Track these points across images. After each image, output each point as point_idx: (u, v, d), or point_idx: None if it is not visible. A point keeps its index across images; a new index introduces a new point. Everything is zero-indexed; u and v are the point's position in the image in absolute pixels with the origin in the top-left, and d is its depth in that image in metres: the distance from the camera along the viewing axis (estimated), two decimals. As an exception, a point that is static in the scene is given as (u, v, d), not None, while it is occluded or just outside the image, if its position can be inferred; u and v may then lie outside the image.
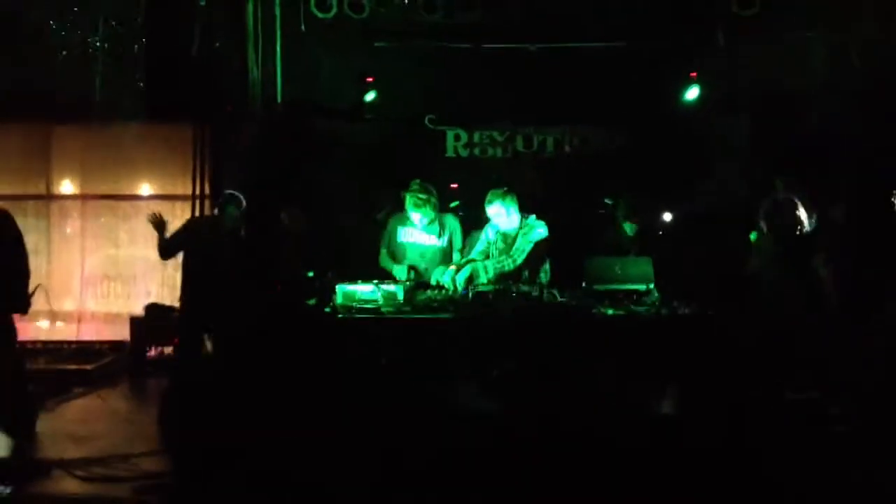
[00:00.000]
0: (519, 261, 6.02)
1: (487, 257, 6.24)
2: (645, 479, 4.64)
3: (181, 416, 6.00)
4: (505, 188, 6.19)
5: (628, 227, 7.18)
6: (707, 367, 5.07)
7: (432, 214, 6.38)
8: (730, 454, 4.77)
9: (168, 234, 6.66)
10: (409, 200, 6.32)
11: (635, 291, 5.64)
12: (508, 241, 6.20)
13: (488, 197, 6.18)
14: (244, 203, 6.62)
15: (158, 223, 6.64)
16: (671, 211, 8.17)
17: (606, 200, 7.40)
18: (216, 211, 6.80)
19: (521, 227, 6.16)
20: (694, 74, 8.47)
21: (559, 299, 5.51)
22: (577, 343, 5.15)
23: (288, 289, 6.34)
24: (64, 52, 9.29)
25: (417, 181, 6.36)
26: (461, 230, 6.56)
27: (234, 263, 6.38)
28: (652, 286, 5.71)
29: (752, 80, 8.23)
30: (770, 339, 5.38)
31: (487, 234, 6.33)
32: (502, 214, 6.12)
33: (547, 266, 6.28)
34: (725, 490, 4.53)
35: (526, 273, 6.07)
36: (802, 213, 6.06)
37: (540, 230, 6.11)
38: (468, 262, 6.07)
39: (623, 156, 8.93)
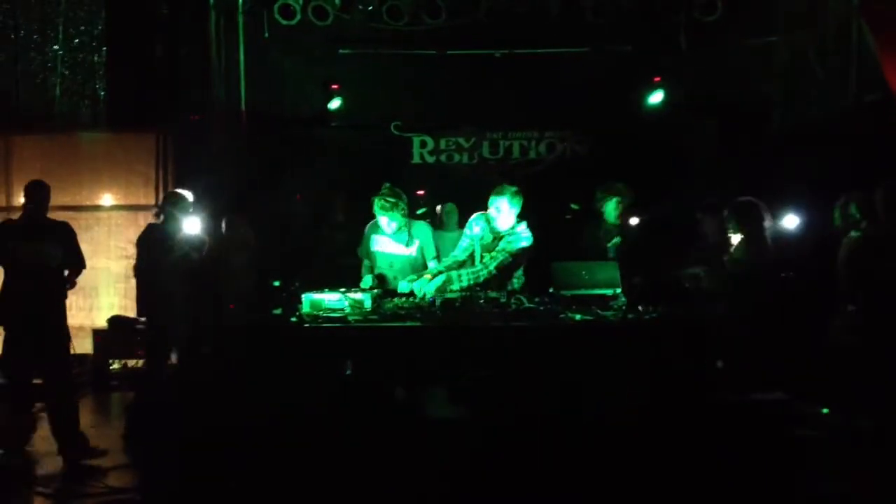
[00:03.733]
0: (492, 267, 5.95)
1: (472, 255, 6.19)
2: (616, 483, 4.66)
3: (148, 430, 5.95)
4: (517, 188, 6.10)
5: (610, 216, 7.14)
6: (674, 370, 5.08)
7: (401, 220, 6.25)
8: (698, 458, 4.80)
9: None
10: (377, 204, 6.21)
11: (602, 296, 5.64)
12: (497, 239, 6.09)
13: (499, 190, 6.01)
14: (185, 202, 6.43)
15: None
16: (637, 215, 8.21)
17: (573, 206, 7.42)
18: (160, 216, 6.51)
19: (509, 232, 6.09)
20: (658, 79, 8.53)
21: (527, 305, 5.50)
22: (544, 349, 5.14)
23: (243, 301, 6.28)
24: (24, 62, 9.17)
25: (388, 185, 6.26)
26: (433, 238, 6.48)
27: (186, 271, 6.26)
28: (619, 290, 5.71)
29: (716, 84, 8.29)
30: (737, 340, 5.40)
31: (472, 231, 6.18)
32: (505, 212, 6.00)
33: (520, 272, 6.24)
34: (695, 494, 4.56)
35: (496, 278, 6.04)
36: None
37: (524, 243, 6.04)
38: (442, 271, 6.02)
39: (589, 161, 8.99)
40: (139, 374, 7.46)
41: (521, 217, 6.09)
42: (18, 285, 5.78)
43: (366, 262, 6.49)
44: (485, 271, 5.89)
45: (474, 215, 6.23)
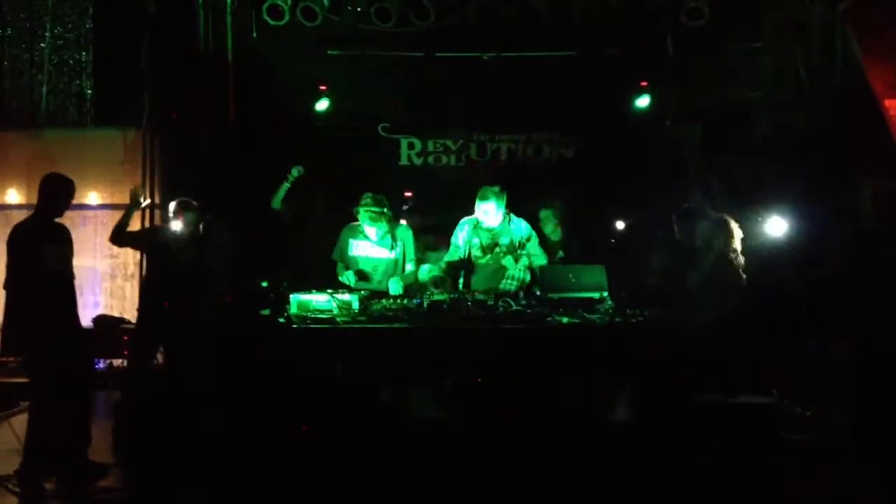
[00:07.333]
0: (520, 274, 6.26)
1: (463, 259, 6.33)
2: (603, 484, 4.69)
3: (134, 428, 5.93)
4: (499, 186, 6.30)
5: (553, 234, 7.26)
6: (661, 373, 5.12)
7: (386, 227, 6.36)
8: (686, 460, 4.83)
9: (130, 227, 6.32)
10: (363, 216, 6.29)
11: (589, 299, 5.68)
12: (494, 237, 6.32)
13: (482, 193, 6.25)
14: (197, 209, 6.36)
15: (134, 198, 6.12)
16: (623, 219, 8.26)
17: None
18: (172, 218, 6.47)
19: (509, 224, 6.32)
20: (644, 83, 8.56)
21: (514, 308, 5.53)
22: (531, 351, 5.17)
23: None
24: (10, 59, 9.11)
25: (370, 195, 6.33)
26: (413, 240, 6.55)
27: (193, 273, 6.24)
28: (605, 294, 5.75)
29: (702, 89, 8.33)
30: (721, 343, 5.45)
31: (462, 236, 6.40)
32: (491, 212, 6.21)
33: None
34: (681, 495, 4.59)
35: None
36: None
37: (522, 224, 6.36)
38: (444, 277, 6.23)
39: (576, 164, 9.02)
40: (123, 373, 7.41)
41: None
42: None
43: (340, 265, 6.53)
44: (513, 283, 6.20)
45: (461, 222, 6.35)
